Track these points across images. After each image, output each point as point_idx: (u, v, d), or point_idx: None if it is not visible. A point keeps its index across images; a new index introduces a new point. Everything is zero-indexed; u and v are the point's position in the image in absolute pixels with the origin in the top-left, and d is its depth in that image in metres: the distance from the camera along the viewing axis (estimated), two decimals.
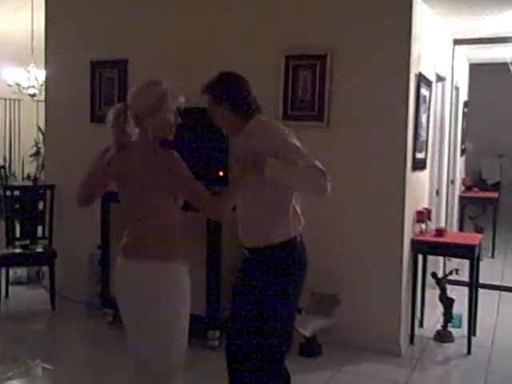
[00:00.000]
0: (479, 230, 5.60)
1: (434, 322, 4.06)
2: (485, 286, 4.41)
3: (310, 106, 3.68)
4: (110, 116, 2.09)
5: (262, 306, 2.26)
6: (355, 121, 3.60)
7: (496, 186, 7.25)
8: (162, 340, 2.04)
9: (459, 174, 6.16)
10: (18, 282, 4.90)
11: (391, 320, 3.57)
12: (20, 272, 4.95)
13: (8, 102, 7.84)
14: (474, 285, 3.70)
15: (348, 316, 3.59)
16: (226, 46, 3.87)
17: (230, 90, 2.24)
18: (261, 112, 2.31)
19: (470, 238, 4.02)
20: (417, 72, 3.64)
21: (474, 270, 3.66)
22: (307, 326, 3.52)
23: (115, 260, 2.17)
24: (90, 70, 4.38)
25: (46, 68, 4.72)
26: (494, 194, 6.46)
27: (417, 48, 3.62)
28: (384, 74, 3.50)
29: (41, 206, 4.68)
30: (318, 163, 2.14)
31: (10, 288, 4.64)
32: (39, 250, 4.40)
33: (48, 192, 4.56)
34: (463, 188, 6.42)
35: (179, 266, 2.07)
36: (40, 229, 4.60)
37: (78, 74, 4.46)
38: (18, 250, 4.35)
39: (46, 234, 4.56)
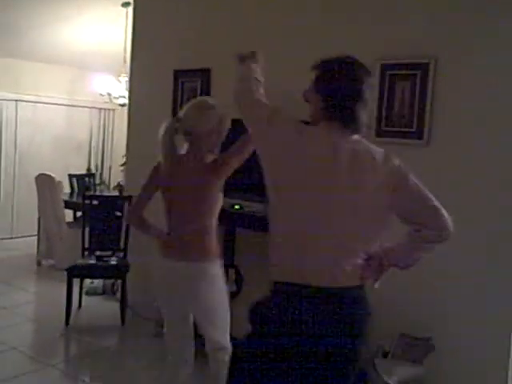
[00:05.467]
0: None
1: None
2: None
3: (407, 121, 3.23)
4: (162, 132, 2.46)
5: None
6: (462, 140, 3.08)
7: None
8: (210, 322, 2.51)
9: None
10: (94, 293, 4.84)
11: (497, 372, 2.99)
12: (97, 282, 4.90)
13: (102, 111, 8.04)
14: None
15: (443, 366, 3.06)
16: (315, 51, 3.51)
17: None
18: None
19: None
20: None
21: None
22: (393, 374, 3.05)
23: None
24: (173, 79, 4.24)
25: (130, 78, 4.67)
26: None
27: None
28: (500, 86, 2.97)
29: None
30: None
31: (85, 298, 4.61)
32: (113, 262, 4.28)
33: (126, 203, 4.45)
34: None
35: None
36: (116, 240, 4.51)
37: (161, 83, 4.34)
38: (91, 262, 4.27)
39: (122, 245, 4.45)
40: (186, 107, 2.52)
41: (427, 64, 3.13)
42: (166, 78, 4.26)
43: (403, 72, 3.24)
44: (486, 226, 3.01)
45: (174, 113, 4.27)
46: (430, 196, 1.81)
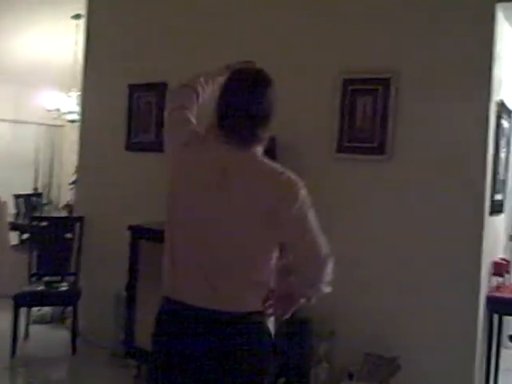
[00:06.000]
0: None
1: None
2: None
3: (369, 136, 3.19)
4: None
5: None
6: (423, 155, 3.07)
7: None
8: None
9: None
10: (42, 321, 4.54)
11: None
12: (45, 309, 4.59)
13: (50, 128, 7.73)
14: None
15: None
16: (274, 66, 3.45)
17: None
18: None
19: None
20: (498, 100, 3.11)
21: None
22: None
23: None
24: (128, 94, 4.08)
25: (82, 93, 4.48)
26: None
27: (498, 72, 3.10)
28: (459, 101, 2.98)
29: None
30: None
31: (32, 327, 4.29)
32: (63, 288, 4.02)
33: (77, 224, 4.22)
34: None
35: None
36: (67, 264, 4.24)
37: (115, 98, 4.17)
38: (39, 288, 3.99)
39: (73, 269, 4.19)
40: None
41: (389, 79, 3.11)
42: (121, 93, 4.10)
43: (365, 87, 3.21)
44: (451, 243, 2.99)
45: (129, 128, 4.11)
46: (310, 228, 1.59)
